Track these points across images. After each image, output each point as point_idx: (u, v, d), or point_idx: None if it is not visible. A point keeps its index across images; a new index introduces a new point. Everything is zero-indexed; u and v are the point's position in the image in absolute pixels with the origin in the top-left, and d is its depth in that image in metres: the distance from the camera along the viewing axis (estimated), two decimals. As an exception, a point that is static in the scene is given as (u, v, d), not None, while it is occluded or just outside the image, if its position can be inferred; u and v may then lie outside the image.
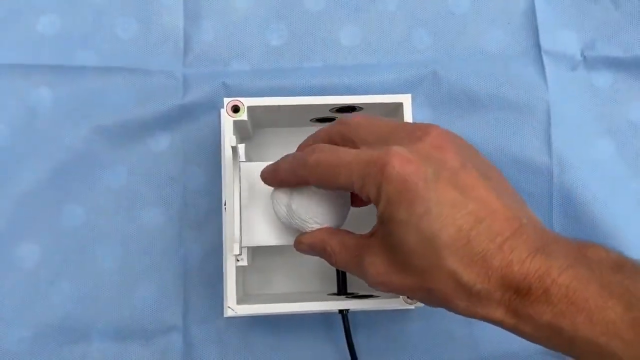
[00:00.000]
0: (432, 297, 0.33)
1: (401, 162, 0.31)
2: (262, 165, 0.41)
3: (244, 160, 0.43)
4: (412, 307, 0.44)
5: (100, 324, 0.50)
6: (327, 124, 0.50)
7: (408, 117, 0.46)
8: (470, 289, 0.31)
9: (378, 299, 0.43)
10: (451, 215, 0.30)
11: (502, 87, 0.54)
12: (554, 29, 0.56)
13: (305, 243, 0.40)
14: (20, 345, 0.49)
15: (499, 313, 0.31)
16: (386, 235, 0.33)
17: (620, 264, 0.31)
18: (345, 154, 0.34)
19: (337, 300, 0.44)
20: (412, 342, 0.51)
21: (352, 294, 0.48)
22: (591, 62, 0.56)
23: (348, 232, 0.39)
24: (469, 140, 0.52)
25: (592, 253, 0.31)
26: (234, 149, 0.43)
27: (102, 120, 0.52)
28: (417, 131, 0.34)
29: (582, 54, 0.56)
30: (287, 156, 0.39)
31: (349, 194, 0.42)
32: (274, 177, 0.40)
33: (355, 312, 0.48)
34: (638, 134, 0.55)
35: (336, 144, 0.37)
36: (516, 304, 0.30)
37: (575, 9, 0.57)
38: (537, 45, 0.56)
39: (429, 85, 0.55)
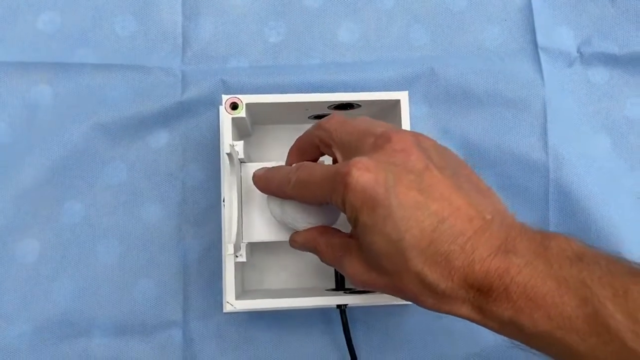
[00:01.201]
0: (403, 295, 0.35)
1: (360, 172, 0.32)
2: (260, 165, 0.43)
3: (242, 157, 0.44)
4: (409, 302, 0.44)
5: (100, 319, 0.51)
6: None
7: (405, 113, 0.46)
8: (435, 288, 0.32)
9: (376, 294, 0.44)
10: (414, 217, 0.31)
11: (499, 83, 0.55)
12: (551, 25, 0.57)
13: (298, 241, 0.43)
14: (20, 340, 0.50)
15: (464, 310, 0.33)
16: (359, 238, 0.35)
17: (580, 255, 0.31)
18: (318, 171, 0.36)
19: (335, 295, 0.44)
20: (410, 337, 0.52)
21: (350, 289, 0.48)
22: (587, 59, 0.57)
23: (336, 231, 0.40)
24: (467, 136, 0.54)
25: (554, 245, 0.31)
26: (232, 148, 0.43)
27: (102, 117, 0.52)
28: (380, 138, 0.35)
29: (578, 51, 0.57)
30: (276, 170, 0.41)
31: None
32: (265, 188, 0.42)
33: (353, 308, 0.49)
34: (634, 130, 0.56)
35: (317, 147, 0.40)
36: (480, 301, 0.32)
37: (572, 5, 0.57)
38: (534, 42, 0.56)
39: (427, 82, 0.55)
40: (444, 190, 0.32)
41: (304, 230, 0.42)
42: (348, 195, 0.33)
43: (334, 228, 0.41)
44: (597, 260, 0.31)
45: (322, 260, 0.40)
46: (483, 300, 0.31)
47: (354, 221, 0.34)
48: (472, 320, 0.33)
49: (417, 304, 0.34)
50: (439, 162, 0.34)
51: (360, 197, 0.32)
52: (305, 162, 0.40)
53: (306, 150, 0.42)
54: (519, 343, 0.33)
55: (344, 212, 0.35)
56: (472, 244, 0.31)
